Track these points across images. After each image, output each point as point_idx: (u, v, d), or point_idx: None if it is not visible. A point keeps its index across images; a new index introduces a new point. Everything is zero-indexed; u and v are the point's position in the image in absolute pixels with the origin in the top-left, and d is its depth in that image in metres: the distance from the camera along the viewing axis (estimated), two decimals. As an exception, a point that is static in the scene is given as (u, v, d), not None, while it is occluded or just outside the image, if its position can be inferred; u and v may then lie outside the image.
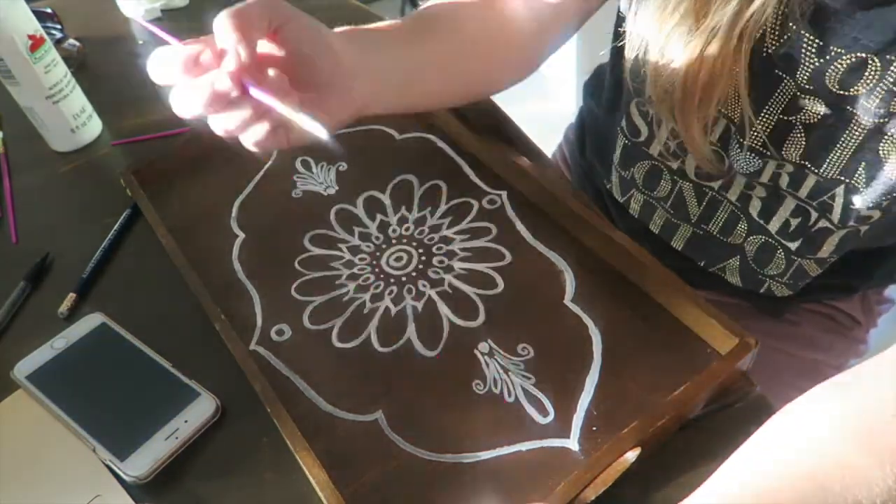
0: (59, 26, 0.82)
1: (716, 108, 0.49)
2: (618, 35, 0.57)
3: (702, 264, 0.65)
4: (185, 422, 0.46)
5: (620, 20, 0.57)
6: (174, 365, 0.50)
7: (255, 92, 0.39)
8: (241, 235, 0.59)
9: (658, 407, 0.42)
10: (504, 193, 0.60)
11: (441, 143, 0.66)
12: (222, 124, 0.41)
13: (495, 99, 0.71)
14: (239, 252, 0.58)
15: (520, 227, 0.57)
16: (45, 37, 0.65)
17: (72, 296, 0.56)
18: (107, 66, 0.83)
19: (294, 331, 0.52)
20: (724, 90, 0.48)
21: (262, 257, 0.58)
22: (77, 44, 0.81)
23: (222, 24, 0.38)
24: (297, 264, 0.56)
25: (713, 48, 0.46)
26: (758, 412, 0.45)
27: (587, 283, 0.53)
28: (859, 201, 0.49)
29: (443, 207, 0.60)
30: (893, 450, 0.32)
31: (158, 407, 0.47)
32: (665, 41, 0.48)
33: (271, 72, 0.40)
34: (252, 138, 0.43)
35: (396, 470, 0.44)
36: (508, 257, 0.55)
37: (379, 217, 0.59)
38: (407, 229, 0.58)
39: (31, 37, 0.63)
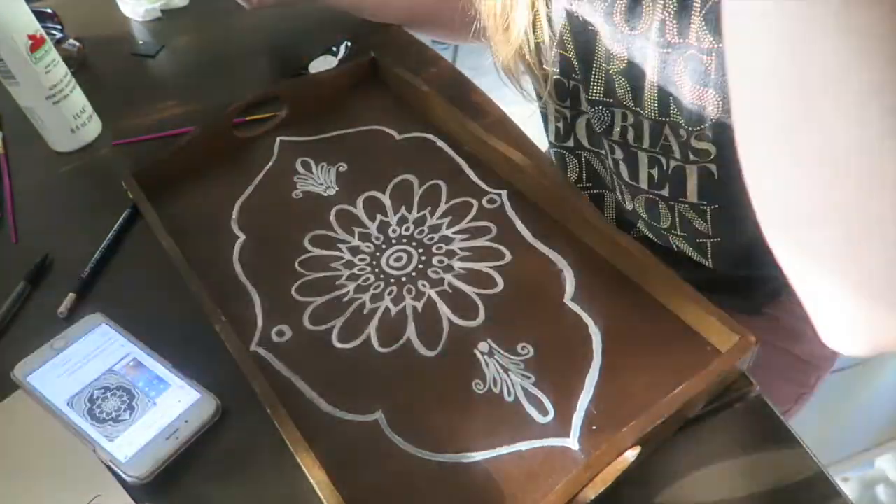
0: (59, 26, 0.82)
1: (518, 42, 0.57)
2: None
3: (635, 233, 0.70)
4: (185, 422, 0.46)
5: None
6: (174, 365, 0.50)
7: None
8: (242, 236, 0.59)
9: (658, 406, 0.42)
10: (504, 193, 0.60)
11: (441, 143, 0.66)
12: None
13: (495, 99, 0.71)
14: (239, 253, 0.58)
15: (520, 226, 0.57)
16: (45, 37, 0.65)
17: (72, 296, 0.56)
18: (107, 66, 0.83)
19: (294, 331, 0.52)
20: (520, 27, 0.56)
21: (262, 258, 0.58)
22: (77, 44, 0.81)
23: None
24: (297, 265, 0.56)
25: None
26: (758, 412, 0.45)
27: (587, 283, 0.53)
28: (685, 133, 0.53)
29: (443, 207, 0.60)
30: None
31: (158, 407, 0.47)
32: None
33: None
34: None
35: (396, 470, 0.44)
36: (508, 257, 0.55)
37: (379, 217, 0.59)
38: (407, 229, 0.58)
39: (31, 37, 0.63)
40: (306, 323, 0.52)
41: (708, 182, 0.57)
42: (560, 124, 0.68)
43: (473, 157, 0.63)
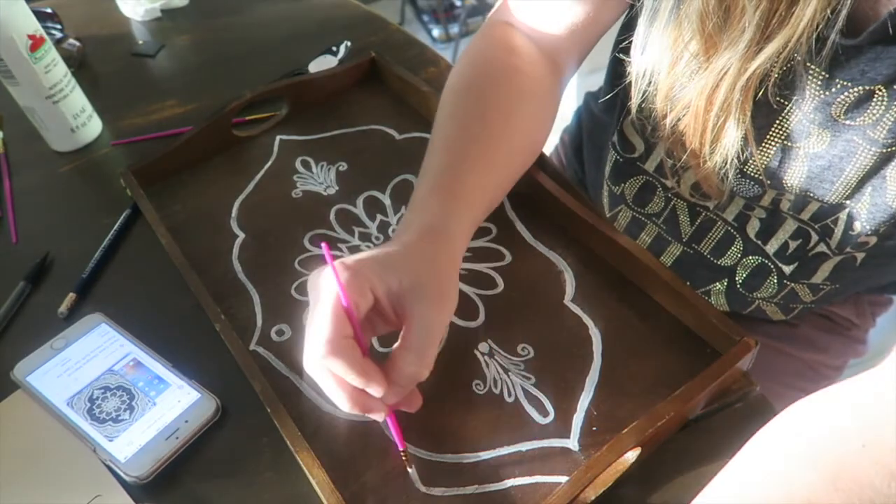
0: (59, 26, 0.82)
1: (734, 148, 0.47)
2: (618, 45, 0.56)
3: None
4: (186, 422, 0.46)
5: (625, 28, 0.56)
6: (174, 365, 0.50)
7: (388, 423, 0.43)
8: (241, 235, 0.59)
9: (658, 407, 0.42)
10: (504, 193, 0.60)
11: (441, 143, 0.65)
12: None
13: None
14: (239, 252, 0.58)
15: (520, 227, 0.57)
16: (45, 37, 0.65)
17: (72, 296, 0.56)
18: (107, 66, 0.83)
19: (294, 331, 0.52)
20: (736, 130, 0.46)
21: (261, 257, 0.58)
22: (77, 44, 0.81)
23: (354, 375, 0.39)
24: (296, 264, 0.56)
25: (724, 88, 0.44)
26: (758, 412, 0.45)
27: (587, 283, 0.53)
28: (859, 226, 0.49)
29: (443, 207, 0.59)
30: (861, 484, 0.32)
31: (158, 407, 0.47)
32: (673, 78, 0.47)
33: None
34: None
35: (396, 470, 0.44)
36: (508, 257, 0.55)
37: (379, 217, 0.59)
38: (407, 229, 0.58)
39: (31, 37, 0.63)
40: (306, 322, 0.52)
41: (846, 267, 0.53)
42: (670, 161, 0.57)
43: (473, 157, 0.63)
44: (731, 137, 0.47)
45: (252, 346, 0.51)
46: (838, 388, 0.37)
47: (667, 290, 0.49)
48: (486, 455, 0.44)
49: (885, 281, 0.63)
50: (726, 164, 0.49)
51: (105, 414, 0.47)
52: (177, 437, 0.46)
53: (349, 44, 0.79)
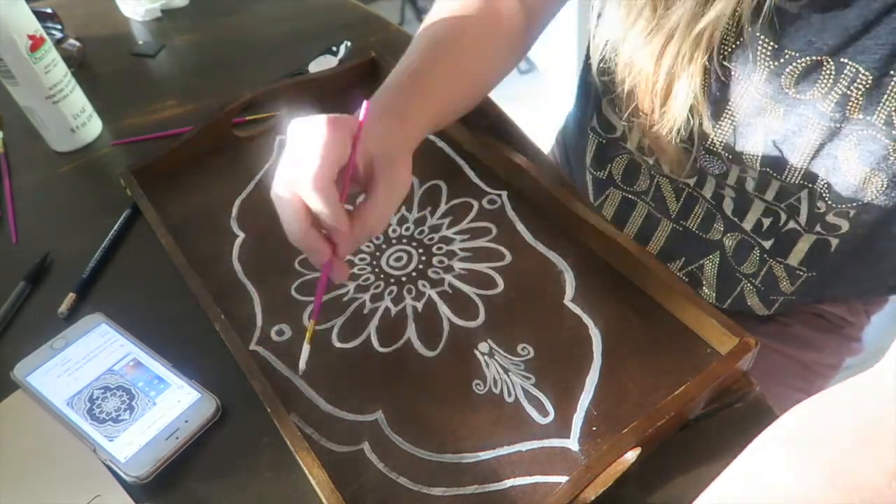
0: (59, 26, 0.82)
1: (683, 112, 0.49)
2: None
3: (681, 263, 0.66)
4: (186, 422, 0.46)
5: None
6: (174, 365, 0.50)
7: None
8: (241, 235, 0.59)
9: (658, 407, 0.42)
10: (504, 193, 0.60)
11: (441, 143, 0.66)
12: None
13: (495, 99, 0.71)
14: (239, 252, 0.58)
15: (520, 227, 0.57)
16: (45, 37, 0.65)
17: (72, 296, 0.56)
18: (107, 66, 0.83)
19: (294, 331, 0.52)
20: (685, 93, 0.48)
21: (262, 257, 0.58)
22: (77, 44, 0.81)
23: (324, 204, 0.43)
24: (296, 264, 0.56)
25: (671, 49, 0.46)
26: (757, 412, 0.45)
27: (587, 283, 0.53)
28: (823, 205, 0.49)
29: (443, 207, 0.60)
30: (861, 484, 0.32)
31: (158, 407, 0.47)
32: (626, 42, 0.49)
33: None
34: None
35: (396, 470, 0.44)
36: (508, 257, 0.55)
37: (379, 217, 0.59)
38: (407, 229, 0.58)
39: (31, 37, 0.63)
40: (306, 322, 0.52)
41: (820, 252, 0.54)
42: (646, 140, 0.60)
43: (473, 157, 0.63)
44: (680, 102, 0.49)
45: (252, 346, 0.51)
46: (838, 389, 0.37)
47: (667, 290, 0.49)
48: (486, 455, 0.44)
49: (869, 284, 0.62)
50: (675, 131, 0.50)
51: (105, 414, 0.47)
52: (177, 437, 0.46)
53: (349, 44, 0.79)
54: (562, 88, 2.05)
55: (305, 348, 0.47)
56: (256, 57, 0.82)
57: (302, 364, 0.47)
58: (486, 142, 0.61)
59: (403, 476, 0.43)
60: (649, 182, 0.64)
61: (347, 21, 0.86)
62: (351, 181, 0.46)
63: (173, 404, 0.47)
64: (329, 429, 0.46)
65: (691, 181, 0.60)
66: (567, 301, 0.52)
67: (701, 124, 0.51)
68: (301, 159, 0.43)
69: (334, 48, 0.78)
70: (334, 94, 0.71)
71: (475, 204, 0.59)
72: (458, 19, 0.58)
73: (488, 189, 0.61)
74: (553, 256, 0.55)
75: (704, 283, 0.65)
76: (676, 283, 0.49)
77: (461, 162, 0.63)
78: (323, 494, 0.41)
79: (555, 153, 0.89)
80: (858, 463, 0.32)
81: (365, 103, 0.45)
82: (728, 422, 0.45)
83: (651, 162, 0.61)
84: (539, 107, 2.09)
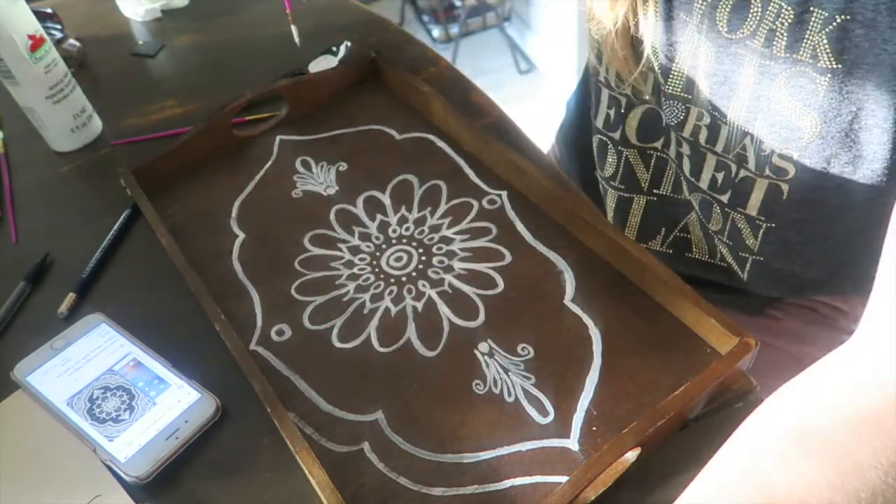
0: (59, 26, 0.82)
1: (622, 7, 0.53)
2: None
3: (663, 235, 0.68)
4: (186, 422, 0.46)
5: None
6: (174, 365, 0.50)
7: None
8: (241, 235, 0.59)
9: (658, 407, 0.42)
10: (504, 193, 0.60)
11: (441, 143, 0.66)
12: None
13: (495, 99, 0.71)
14: (239, 252, 0.58)
15: (520, 227, 0.57)
16: (45, 37, 0.65)
17: (72, 296, 0.56)
18: (107, 66, 0.83)
19: (294, 331, 0.52)
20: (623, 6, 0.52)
21: (262, 257, 0.58)
22: (77, 44, 0.81)
23: None
24: (297, 264, 0.56)
25: None
26: (758, 412, 0.45)
27: (587, 283, 0.53)
28: (768, 147, 0.51)
29: (443, 207, 0.60)
30: (862, 467, 0.32)
31: (158, 407, 0.47)
32: None
33: None
34: None
35: (396, 470, 0.44)
36: (508, 257, 0.55)
37: (379, 217, 0.59)
38: (407, 229, 0.58)
39: (31, 37, 0.63)
40: (306, 322, 0.52)
41: (774, 199, 0.55)
42: (612, 111, 0.64)
43: (473, 157, 0.64)
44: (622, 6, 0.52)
45: (252, 346, 0.51)
46: (820, 370, 0.37)
47: (667, 290, 0.49)
48: (486, 455, 0.44)
49: (826, 233, 0.61)
50: (650, 87, 0.55)
51: (105, 414, 0.47)
52: (177, 437, 0.46)
53: (349, 44, 0.79)
54: (562, 88, 2.05)
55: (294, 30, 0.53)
56: (256, 57, 0.82)
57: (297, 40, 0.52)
58: (486, 142, 0.61)
59: (403, 476, 0.43)
60: (616, 161, 0.67)
61: (347, 21, 0.86)
62: None
63: (173, 404, 0.47)
64: (329, 429, 0.46)
65: (658, 143, 0.62)
66: (567, 301, 0.52)
67: (662, 68, 0.55)
68: None
69: (334, 48, 0.78)
70: (334, 94, 0.71)
71: (475, 204, 0.59)
72: None
73: (488, 189, 0.61)
74: (553, 256, 0.55)
75: (694, 245, 0.67)
76: (676, 283, 0.49)
77: (461, 162, 0.63)
78: (323, 494, 0.41)
79: (554, 151, 0.89)
80: (857, 446, 0.32)
81: None
82: (728, 422, 0.45)
83: (617, 137, 0.65)
84: (539, 107, 2.09)
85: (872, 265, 0.64)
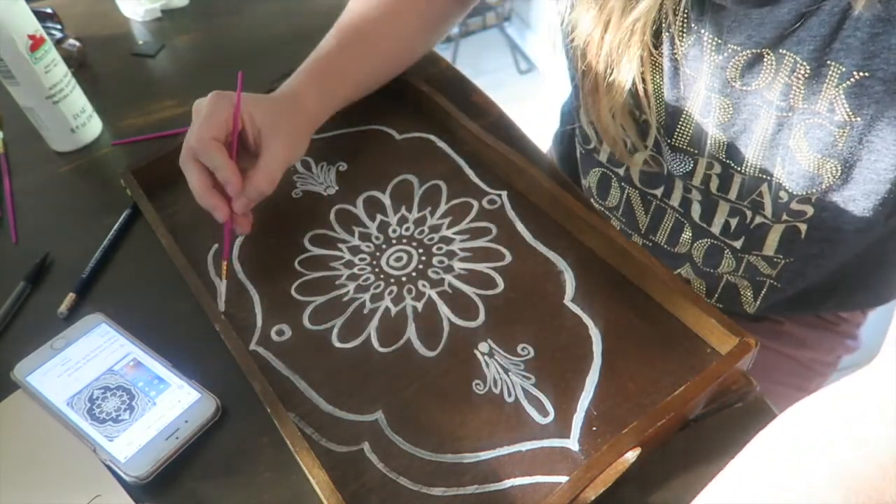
0: (59, 26, 0.82)
1: (621, 96, 0.52)
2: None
3: None
4: (186, 422, 0.46)
5: None
6: (174, 365, 0.50)
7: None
8: (241, 235, 0.59)
9: (658, 407, 0.42)
10: (504, 193, 0.60)
11: (441, 143, 0.66)
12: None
13: (495, 99, 0.71)
14: (239, 252, 0.58)
15: (520, 227, 0.57)
16: (45, 37, 0.65)
17: (72, 296, 0.56)
18: (107, 66, 0.83)
19: (294, 331, 0.52)
20: (624, 77, 0.51)
21: (261, 257, 0.58)
22: (77, 44, 0.81)
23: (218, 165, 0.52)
24: (296, 264, 0.56)
25: (610, 35, 0.49)
26: (757, 412, 0.45)
27: (587, 283, 0.53)
28: (785, 195, 0.50)
29: (443, 207, 0.60)
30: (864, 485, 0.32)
31: (158, 407, 0.47)
32: (578, 28, 0.52)
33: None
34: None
35: (396, 470, 0.44)
36: (508, 257, 0.55)
37: (379, 217, 0.59)
38: (407, 229, 0.58)
39: (31, 37, 0.63)
40: (306, 322, 0.52)
41: (791, 239, 0.55)
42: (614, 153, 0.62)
43: (473, 157, 0.64)
44: (619, 85, 0.51)
45: (252, 346, 0.51)
46: (836, 387, 0.37)
47: (667, 290, 0.49)
48: (486, 455, 0.44)
49: (840, 259, 0.61)
50: (615, 110, 0.54)
51: (105, 414, 0.47)
52: (177, 437, 0.46)
53: (349, 44, 0.79)
54: (562, 88, 2.05)
55: (222, 285, 0.54)
56: (256, 57, 0.82)
57: (221, 304, 0.54)
58: (486, 142, 0.61)
59: (403, 476, 0.43)
60: (619, 195, 0.66)
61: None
62: (244, 149, 0.55)
63: (173, 404, 0.47)
64: (329, 429, 0.46)
65: (659, 191, 0.61)
66: (567, 301, 0.52)
67: (666, 123, 0.53)
68: (191, 127, 0.53)
69: (334, 48, 0.78)
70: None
71: (475, 204, 0.59)
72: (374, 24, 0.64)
73: (488, 189, 0.61)
74: (553, 256, 0.55)
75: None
76: (676, 283, 0.49)
77: (461, 162, 0.63)
78: (323, 495, 0.41)
79: (551, 154, 0.89)
80: (862, 463, 0.32)
81: (239, 74, 0.55)
82: (728, 422, 0.45)
83: (621, 174, 0.63)
84: (539, 107, 2.09)
85: (881, 281, 0.64)
